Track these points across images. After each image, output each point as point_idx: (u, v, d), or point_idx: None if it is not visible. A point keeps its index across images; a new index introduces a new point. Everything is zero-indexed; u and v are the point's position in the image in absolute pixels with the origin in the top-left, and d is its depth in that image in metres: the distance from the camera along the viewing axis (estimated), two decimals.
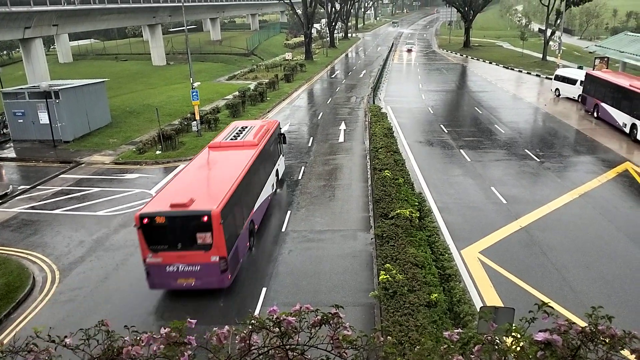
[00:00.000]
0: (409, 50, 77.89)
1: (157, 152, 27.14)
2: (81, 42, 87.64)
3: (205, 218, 12.93)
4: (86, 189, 22.44)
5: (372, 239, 16.20)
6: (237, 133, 20.15)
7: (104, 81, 33.85)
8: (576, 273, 14.43)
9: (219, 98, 42.79)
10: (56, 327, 2.49)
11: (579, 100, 36.94)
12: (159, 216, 13.23)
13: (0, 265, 15.34)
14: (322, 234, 17.28)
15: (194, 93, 30.18)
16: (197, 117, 30.66)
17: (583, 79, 36.09)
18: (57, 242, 17.43)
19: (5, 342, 2.54)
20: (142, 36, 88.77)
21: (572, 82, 38.67)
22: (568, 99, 39.11)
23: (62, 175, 24.43)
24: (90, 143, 29.38)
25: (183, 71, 56.16)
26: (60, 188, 22.74)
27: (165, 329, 2.49)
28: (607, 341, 2.32)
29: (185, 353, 2.44)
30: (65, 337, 2.51)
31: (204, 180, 16.28)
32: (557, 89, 40.82)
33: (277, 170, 21.61)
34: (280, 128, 23.61)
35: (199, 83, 32.01)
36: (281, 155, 22.95)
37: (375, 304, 12.47)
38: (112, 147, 28.61)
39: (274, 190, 20.70)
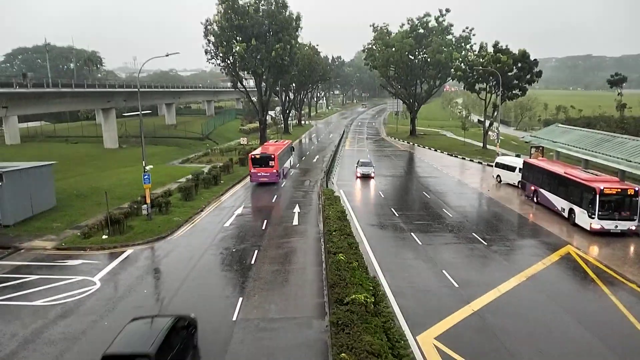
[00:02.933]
0: (365, 177, 45.43)
1: (104, 237, 26.14)
2: (30, 124, 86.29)
3: (272, 156, 41.51)
4: (24, 277, 21.03)
5: (327, 326, 15.82)
6: (274, 142, 51.11)
7: (51, 164, 33.05)
8: (530, 359, 14.48)
9: (171, 181, 42.46)
10: None
11: (519, 186, 39.17)
12: (256, 155, 41.77)
13: None
14: (276, 322, 16.73)
15: (146, 176, 29.88)
16: (148, 201, 30.12)
17: (521, 166, 38.55)
18: None
19: None
20: (95, 119, 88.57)
21: (511, 169, 41.24)
22: (509, 184, 41.44)
23: None
24: (32, 227, 28.02)
25: (135, 154, 55.84)
26: None
27: None
28: None
29: None
30: None
31: (268, 149, 43.71)
32: (498, 175, 43.31)
33: (290, 159, 50.93)
34: (292, 145, 56.65)
35: (151, 166, 31.81)
36: (291, 156, 52.42)
37: None
38: (55, 232, 27.34)
39: (290, 166, 49.98)
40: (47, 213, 30.87)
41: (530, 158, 40.84)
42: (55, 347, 15.18)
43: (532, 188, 35.27)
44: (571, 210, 29.32)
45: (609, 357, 14.58)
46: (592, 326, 16.42)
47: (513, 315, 17.32)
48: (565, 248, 25.00)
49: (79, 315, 17.40)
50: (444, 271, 21.41)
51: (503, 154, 51.03)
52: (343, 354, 11.76)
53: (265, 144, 50.85)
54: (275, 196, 37.77)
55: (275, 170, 41.36)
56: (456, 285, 19.88)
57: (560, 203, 30.92)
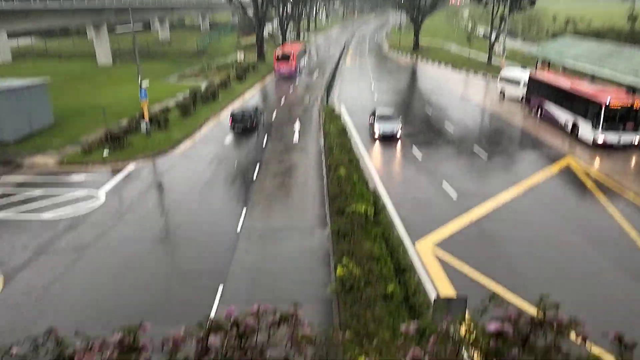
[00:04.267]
0: (388, 138, 29.18)
1: (105, 153, 26.18)
2: (21, 40, 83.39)
3: (292, 54, 52.79)
4: (29, 192, 21.33)
5: (328, 235, 16.26)
6: (291, 44, 65.02)
7: (46, 80, 32.33)
8: (525, 263, 15.03)
9: (169, 97, 41.79)
10: (1, 334, 2.32)
11: (523, 100, 38.57)
12: (279, 54, 52.92)
13: None
14: (279, 232, 17.19)
15: (143, 92, 29.33)
16: (146, 117, 29.80)
17: (527, 80, 37.70)
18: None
19: None
20: (87, 35, 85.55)
21: (516, 82, 40.33)
22: (513, 99, 40.78)
23: (2, 178, 23.12)
24: (32, 144, 27.97)
25: (130, 71, 54.44)
26: (1, 191, 21.50)
27: (118, 334, 2.37)
28: (555, 327, 2.43)
29: (140, 357, 2.34)
30: (12, 346, 2.34)
31: (288, 49, 54.90)
32: (502, 90, 42.46)
33: (304, 58, 61.81)
34: (306, 48, 66.66)
35: (147, 82, 31.14)
36: (305, 56, 63.49)
37: (333, 298, 12.53)
38: (55, 148, 27.33)
39: (304, 64, 60.91)
40: (46, 130, 30.68)
41: (536, 72, 39.84)
42: (65, 256, 15.71)
43: (537, 102, 34.72)
44: (575, 124, 29.07)
45: (601, 262, 15.12)
46: (587, 233, 16.88)
47: (510, 224, 17.74)
48: (565, 159, 25.11)
49: (86, 228, 17.84)
50: (444, 183, 21.65)
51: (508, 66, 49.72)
52: (344, 259, 12.17)
53: (284, 44, 65.37)
54: (275, 112, 37.36)
55: (293, 66, 53.17)
56: (455, 197, 20.20)
57: (564, 117, 30.57)
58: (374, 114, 30.99)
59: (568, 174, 23.26)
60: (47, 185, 22.15)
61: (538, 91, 34.95)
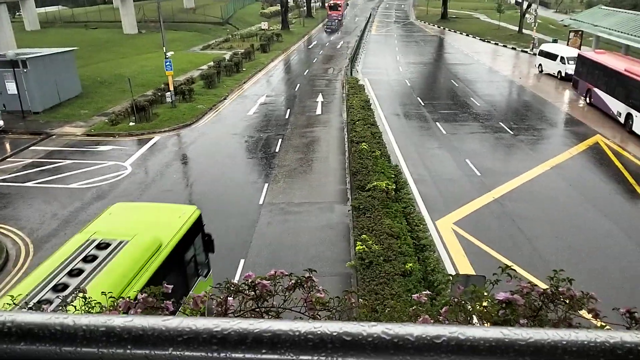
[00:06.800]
0: None
1: (131, 124, 26.59)
2: (48, 8, 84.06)
3: (340, 4, 74.41)
4: (58, 161, 21.92)
5: (349, 210, 16.36)
6: None
7: (73, 50, 32.72)
8: (546, 243, 14.90)
9: (193, 68, 41.89)
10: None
11: (559, 76, 36.47)
12: (331, 3, 74.54)
13: None
14: (300, 207, 17.37)
15: (168, 63, 29.44)
16: (171, 88, 30.00)
17: (563, 55, 35.84)
18: (29, 215, 17.09)
19: None
20: (112, 3, 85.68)
21: (552, 57, 38.17)
22: (549, 75, 38.67)
23: (32, 147, 23.77)
24: (60, 114, 28.56)
25: (155, 40, 54.53)
26: (31, 160, 22.14)
27: (142, 294, 2.51)
28: (567, 302, 2.45)
29: (162, 314, 2.47)
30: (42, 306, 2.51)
31: (336, 1, 74.42)
32: (539, 65, 40.37)
33: (346, 10, 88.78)
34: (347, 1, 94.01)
35: (172, 52, 31.20)
36: (347, 8, 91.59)
37: (352, 273, 12.70)
38: (83, 119, 27.88)
39: (345, 14, 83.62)
40: (74, 100, 31.21)
41: (568, 44, 38.28)
42: None
43: (586, 87, 30.44)
44: (629, 115, 25.11)
45: (626, 244, 14.88)
46: (612, 215, 16.56)
47: (533, 203, 17.52)
48: (594, 138, 24.40)
49: (113, 198, 18.27)
50: (467, 160, 21.38)
51: (540, 40, 47.98)
52: (364, 235, 12.28)
53: None
54: (298, 85, 37.16)
55: (341, 13, 73.01)
56: (478, 174, 19.98)
57: (616, 106, 26.56)
58: None
59: (595, 152, 22.66)
60: (76, 156, 22.71)
61: (588, 73, 30.54)
